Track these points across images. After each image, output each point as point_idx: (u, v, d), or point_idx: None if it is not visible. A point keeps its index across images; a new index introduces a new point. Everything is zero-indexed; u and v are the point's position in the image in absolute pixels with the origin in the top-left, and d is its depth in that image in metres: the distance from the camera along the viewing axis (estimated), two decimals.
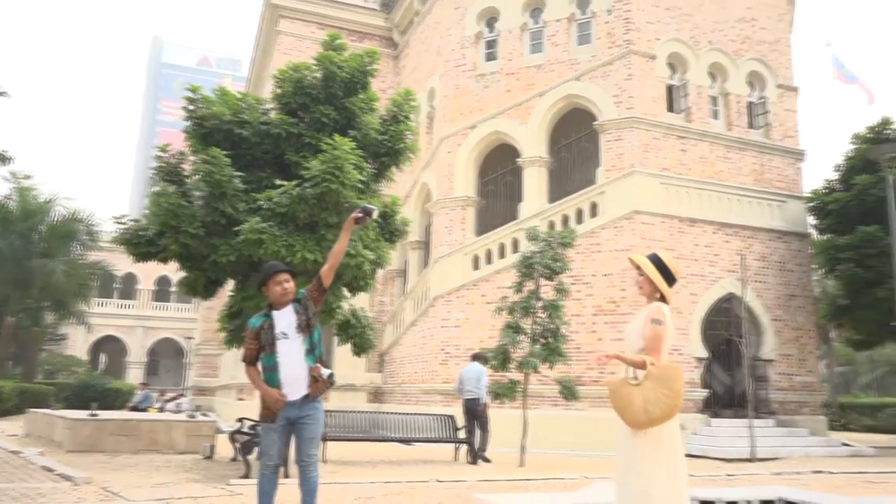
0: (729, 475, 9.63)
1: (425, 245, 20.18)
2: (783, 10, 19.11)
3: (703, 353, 15.47)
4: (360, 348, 10.70)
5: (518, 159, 17.29)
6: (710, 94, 17.41)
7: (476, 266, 16.94)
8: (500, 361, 11.78)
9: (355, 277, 9.80)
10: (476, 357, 12.43)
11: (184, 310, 49.10)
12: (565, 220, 16.11)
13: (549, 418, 14.35)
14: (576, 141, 17.57)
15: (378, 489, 7.30)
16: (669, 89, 16.98)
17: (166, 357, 50.09)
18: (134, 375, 44.18)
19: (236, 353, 24.71)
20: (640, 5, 16.65)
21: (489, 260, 16.83)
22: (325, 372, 4.80)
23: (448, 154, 18.14)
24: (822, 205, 16.57)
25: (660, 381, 3.94)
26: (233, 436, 9.77)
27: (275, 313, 4.82)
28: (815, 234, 17.82)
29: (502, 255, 16.66)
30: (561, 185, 17.50)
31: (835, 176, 17.18)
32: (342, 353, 16.11)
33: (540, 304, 12.03)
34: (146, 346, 48.33)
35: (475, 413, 11.65)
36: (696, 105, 16.95)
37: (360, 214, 4.94)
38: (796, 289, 16.99)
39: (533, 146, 17.06)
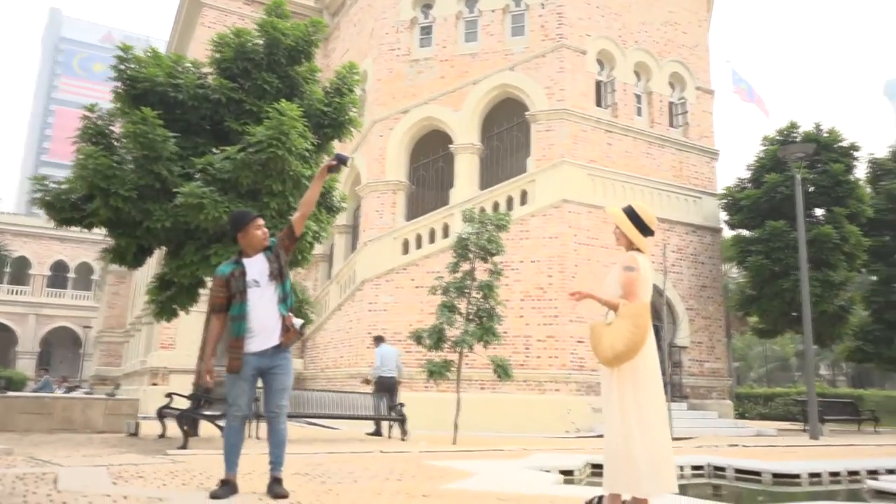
0: None
1: (353, 229, 19.97)
2: (702, 16, 20.11)
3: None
4: None
5: (450, 146, 17.39)
6: (635, 91, 18.10)
7: (406, 250, 16.91)
8: (434, 341, 11.82)
9: (296, 249, 9.58)
10: (382, 339, 13.34)
11: (82, 297, 46.47)
12: (496, 206, 16.32)
13: (477, 401, 14.47)
14: (507, 130, 17.86)
15: (325, 458, 7.17)
16: (598, 85, 17.53)
17: (62, 347, 47.18)
18: (24, 366, 41.39)
19: (147, 337, 23.65)
20: (573, 1, 17.10)
21: (419, 244, 16.84)
22: (297, 322, 4.69)
23: (380, 138, 18.00)
24: (735, 201, 17.58)
25: (627, 317, 4.09)
26: (161, 412, 9.36)
27: (246, 261, 4.65)
28: (726, 228, 18.87)
29: (433, 239, 16.71)
30: (492, 173, 17.73)
31: (746, 175, 18.26)
32: None
33: (475, 284, 12.15)
34: (39, 336, 45.33)
35: (392, 391, 12.31)
36: (622, 101, 17.58)
37: (334, 162, 4.85)
38: (708, 280, 17.93)
39: (465, 133, 17.20)
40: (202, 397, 9.18)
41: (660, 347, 16.18)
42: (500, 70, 17.23)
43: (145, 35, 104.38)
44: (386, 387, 12.32)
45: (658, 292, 16.62)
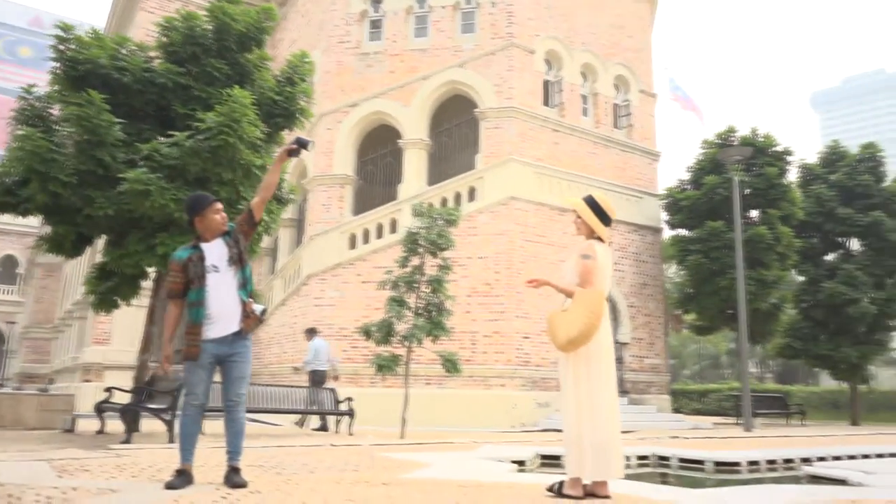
0: None
1: (298, 223, 19.69)
2: (647, 21, 20.63)
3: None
4: None
5: (399, 141, 17.33)
6: (581, 92, 18.43)
7: (353, 245, 16.77)
8: (383, 335, 11.76)
9: None
10: (315, 331, 13.45)
11: (6, 291, 44.29)
12: (444, 202, 16.33)
13: (423, 397, 14.49)
14: (456, 126, 17.90)
15: (277, 451, 7.04)
16: (546, 84, 17.78)
17: None
18: None
19: (80, 332, 22.70)
20: (523, 1, 17.29)
21: (367, 239, 16.73)
22: (257, 308, 4.60)
23: (328, 131, 17.79)
24: (676, 201, 18.11)
25: (581, 304, 4.18)
26: (100, 406, 9.02)
27: (204, 245, 4.53)
28: (666, 228, 19.41)
29: (380, 235, 16.63)
30: (440, 169, 17.76)
31: (687, 176, 18.82)
32: None
33: (424, 278, 12.15)
34: None
35: (322, 384, 12.50)
36: (569, 101, 17.87)
37: (295, 146, 4.77)
38: (649, 278, 18.42)
39: (414, 129, 17.18)
40: (145, 391, 8.90)
41: None
42: (449, 66, 17.28)
43: (78, 20, 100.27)
44: (317, 380, 12.57)
45: None
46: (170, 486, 4.17)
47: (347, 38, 18.11)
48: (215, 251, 4.52)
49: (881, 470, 6.49)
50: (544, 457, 7.91)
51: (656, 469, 8.16)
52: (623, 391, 16.88)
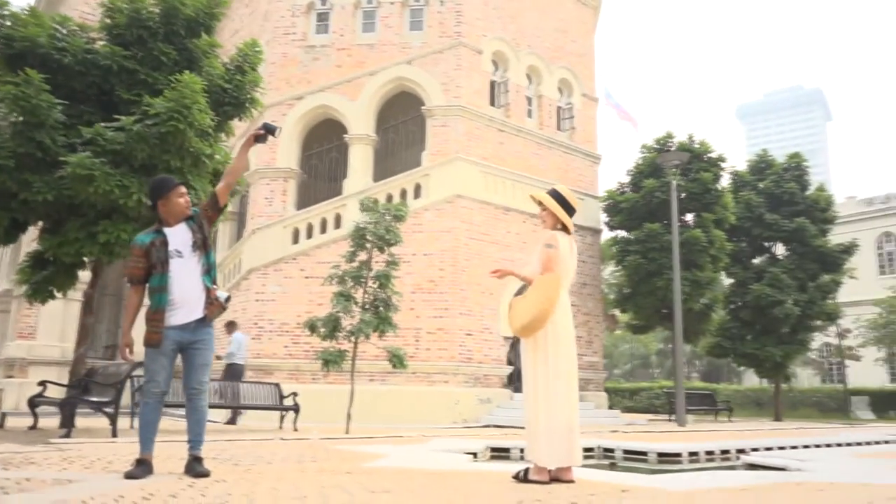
0: None
1: (239, 216, 19.27)
2: (590, 27, 21.10)
3: (510, 333, 16.52)
4: None
5: (345, 136, 17.19)
6: (526, 94, 18.70)
7: (296, 240, 16.54)
8: (329, 330, 11.66)
9: None
10: (235, 325, 13.79)
11: None
12: (389, 198, 16.28)
13: (366, 393, 14.41)
14: (403, 123, 17.89)
15: (227, 445, 6.89)
16: (492, 84, 17.96)
17: None
18: None
19: (1, 326, 21.51)
20: (471, 1, 17.42)
21: (310, 234, 16.52)
22: (221, 294, 4.52)
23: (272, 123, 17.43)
24: (616, 203, 18.60)
25: (537, 289, 4.31)
26: (33, 401, 8.61)
27: (167, 230, 4.41)
28: (605, 230, 19.92)
29: (324, 229, 16.45)
30: (386, 165, 17.72)
31: (626, 179, 19.37)
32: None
33: (371, 273, 12.10)
34: None
35: (241, 377, 12.70)
36: (514, 102, 18.11)
37: (262, 132, 4.72)
38: (588, 278, 18.85)
39: (361, 124, 17.07)
40: (82, 385, 8.56)
41: None
42: (397, 63, 17.24)
43: None
44: (238, 374, 12.73)
45: None
46: (130, 475, 4.05)
47: (293, 30, 17.84)
48: (179, 236, 4.41)
49: (814, 458, 6.87)
50: (494, 449, 8.02)
51: (602, 460, 8.38)
52: None
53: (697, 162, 18.48)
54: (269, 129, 4.69)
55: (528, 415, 4.33)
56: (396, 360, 11.75)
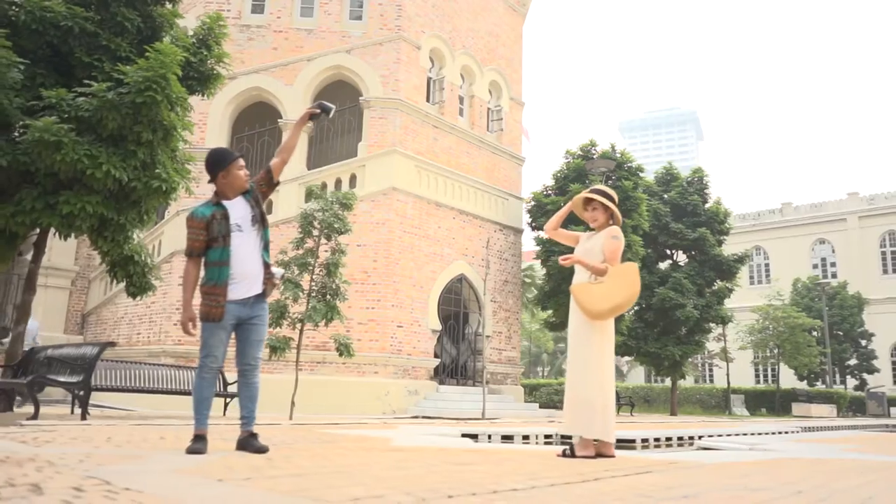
0: (491, 423, 10.82)
1: None
2: (518, 33, 21.76)
3: (438, 326, 16.86)
4: (140, 289, 9.54)
5: (280, 120, 16.81)
6: (460, 93, 19.04)
7: None
8: (276, 316, 11.47)
9: (152, 207, 8.75)
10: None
11: None
12: (324, 187, 16.13)
13: (306, 383, 14.25)
14: (339, 112, 17.69)
15: (212, 429, 6.69)
16: (428, 81, 18.16)
17: None
18: None
19: None
20: None
21: None
22: (277, 271, 4.48)
23: (202, 101, 16.75)
24: (541, 205, 19.31)
25: (619, 276, 4.65)
26: None
27: (226, 203, 4.33)
28: (528, 230, 20.63)
29: None
30: (320, 153, 17.49)
31: (551, 182, 20.14)
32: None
33: (318, 261, 12.01)
34: None
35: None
36: (449, 100, 18.40)
37: (317, 110, 4.71)
38: (510, 276, 19.48)
39: (296, 109, 16.73)
40: (23, 366, 8.01)
41: (463, 337, 17.27)
42: (336, 51, 17.08)
43: None
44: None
45: (467, 284, 17.73)
46: (193, 451, 3.97)
47: (227, 7, 17.22)
48: (238, 210, 4.34)
49: (766, 443, 7.59)
50: (464, 435, 8.26)
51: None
52: (484, 381, 17.72)
53: (619, 170, 19.54)
54: (325, 109, 4.68)
55: (587, 392, 4.59)
56: (344, 349, 11.73)
